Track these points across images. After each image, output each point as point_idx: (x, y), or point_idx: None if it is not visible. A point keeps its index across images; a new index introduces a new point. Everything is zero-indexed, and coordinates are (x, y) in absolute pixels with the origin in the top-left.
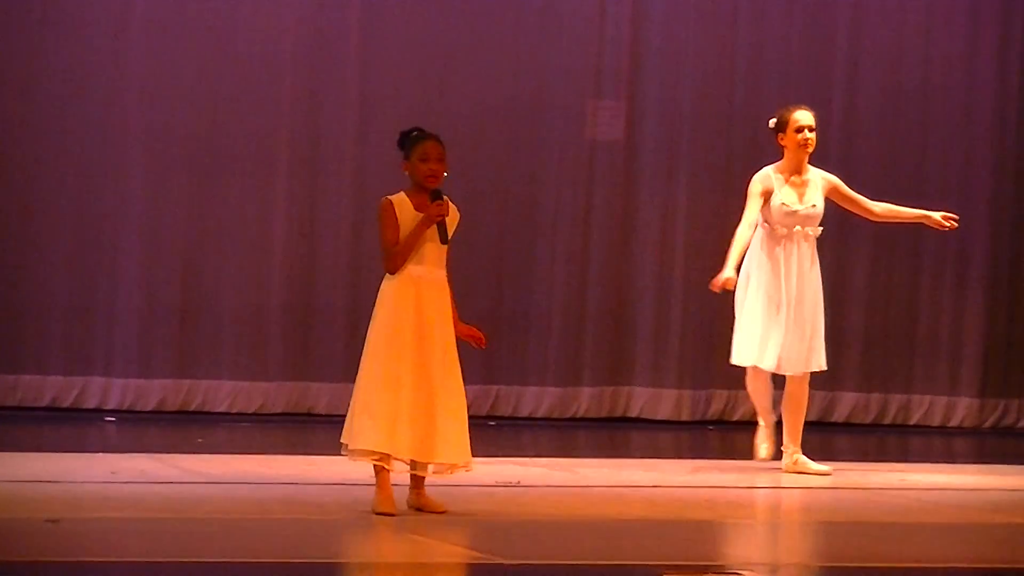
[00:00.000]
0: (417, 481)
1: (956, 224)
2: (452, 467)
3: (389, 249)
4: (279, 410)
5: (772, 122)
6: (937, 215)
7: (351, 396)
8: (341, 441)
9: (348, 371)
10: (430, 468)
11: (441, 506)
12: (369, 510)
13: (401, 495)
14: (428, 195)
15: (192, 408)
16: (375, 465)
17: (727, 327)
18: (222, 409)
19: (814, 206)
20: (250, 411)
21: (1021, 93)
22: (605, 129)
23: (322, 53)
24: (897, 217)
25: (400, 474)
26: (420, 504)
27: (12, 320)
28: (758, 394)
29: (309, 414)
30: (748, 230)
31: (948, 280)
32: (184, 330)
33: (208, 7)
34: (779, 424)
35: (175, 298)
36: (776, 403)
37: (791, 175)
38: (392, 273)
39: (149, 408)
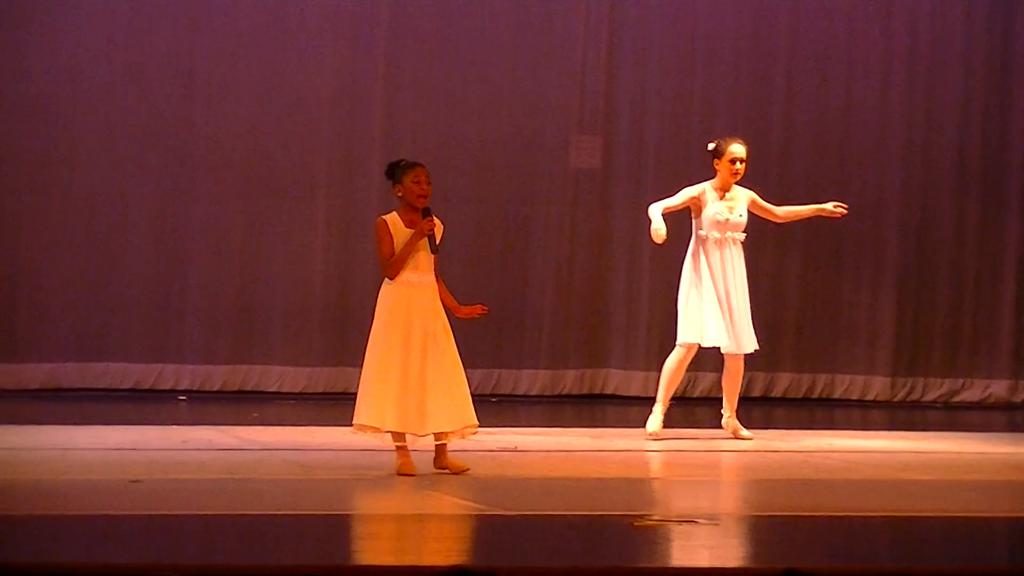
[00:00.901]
0: (439, 447)
1: (846, 211)
2: (455, 432)
3: (386, 260)
4: (320, 390)
5: (711, 146)
6: (829, 205)
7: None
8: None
9: None
10: (449, 436)
11: (463, 466)
12: (394, 472)
13: (426, 459)
14: (419, 213)
15: (248, 388)
16: (389, 434)
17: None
18: (273, 389)
19: (741, 215)
20: (296, 391)
21: (927, 128)
22: (585, 159)
23: (354, 98)
24: (797, 215)
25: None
26: (444, 465)
27: (102, 317)
28: (677, 376)
29: (344, 393)
30: (661, 204)
31: (865, 278)
32: (241, 325)
33: (259, 64)
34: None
35: (234, 299)
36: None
37: (723, 193)
38: (391, 279)
39: (214, 389)
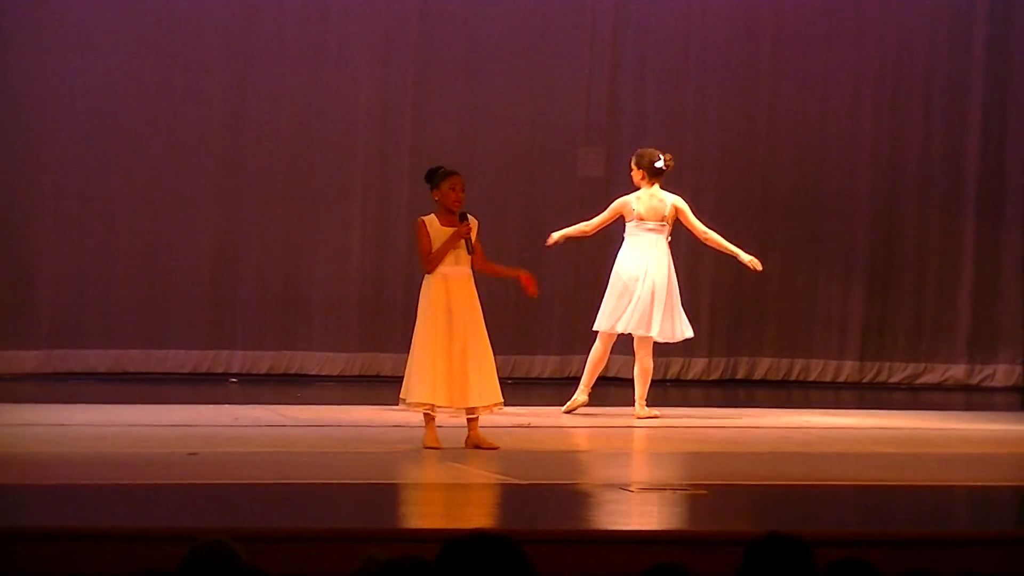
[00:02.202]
0: (472, 422)
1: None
2: (485, 408)
3: (425, 256)
4: (355, 373)
5: (634, 161)
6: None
7: (407, 363)
8: (400, 397)
9: (406, 344)
10: (480, 411)
11: (494, 444)
12: (421, 446)
13: (451, 436)
14: (455, 216)
15: (292, 372)
16: (424, 413)
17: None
18: (314, 372)
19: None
20: (334, 374)
21: (891, 140)
22: (590, 168)
23: (386, 111)
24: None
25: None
26: (475, 442)
27: (163, 308)
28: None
29: (378, 376)
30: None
31: (838, 271)
32: (287, 314)
33: (303, 81)
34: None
35: (280, 291)
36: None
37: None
38: (429, 273)
39: (262, 372)
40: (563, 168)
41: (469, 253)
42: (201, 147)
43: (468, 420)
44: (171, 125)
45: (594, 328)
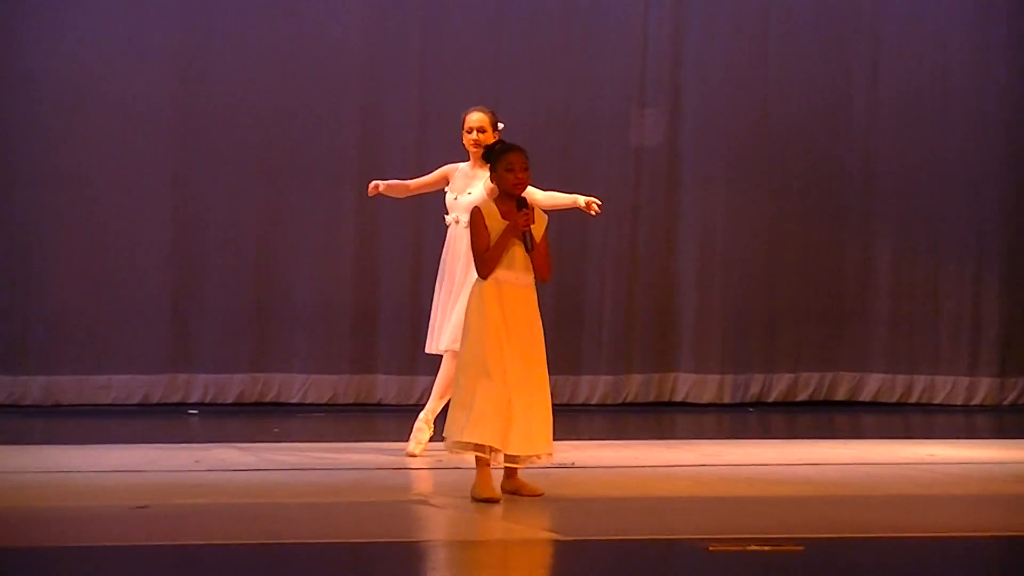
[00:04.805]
0: (510, 469)
1: (599, 210)
2: (533, 458)
3: (480, 254)
4: (349, 400)
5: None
6: (583, 200)
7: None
8: (444, 435)
9: (412, 365)
10: (523, 461)
11: (537, 490)
12: (470, 497)
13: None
14: (515, 203)
15: (268, 400)
16: (477, 457)
17: (763, 315)
18: (296, 400)
19: (470, 192)
20: (322, 402)
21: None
22: (649, 135)
23: (384, 70)
24: (556, 204)
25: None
26: (514, 487)
27: (104, 323)
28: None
29: (378, 405)
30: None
31: (968, 269)
32: (260, 328)
33: (273, 33)
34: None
35: (252, 298)
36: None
37: (472, 170)
38: (484, 278)
39: (229, 401)
40: (616, 136)
41: (528, 251)
42: (145, 123)
43: (507, 467)
44: (102, 95)
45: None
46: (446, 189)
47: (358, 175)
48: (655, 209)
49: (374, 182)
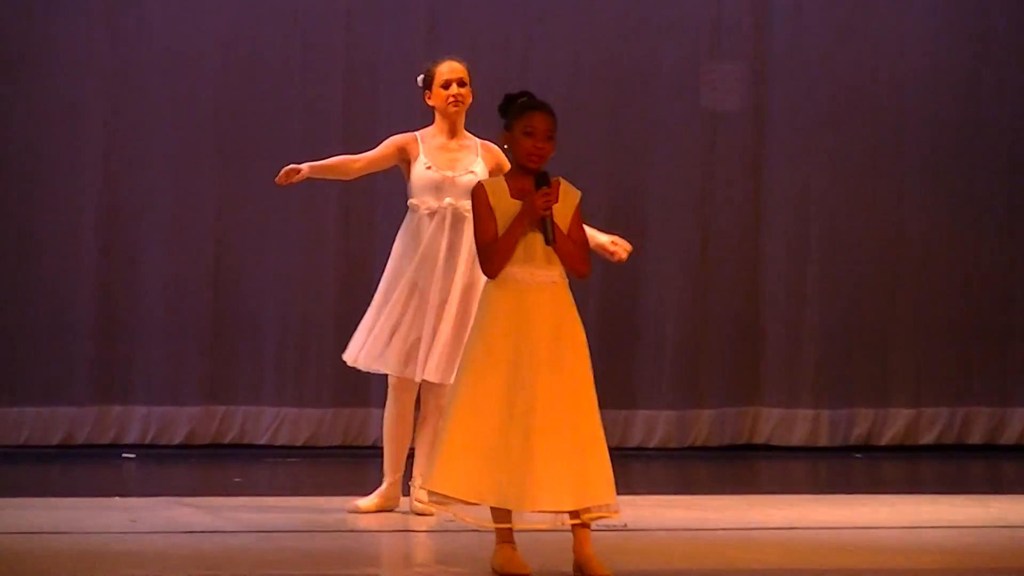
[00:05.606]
0: (579, 535)
1: (625, 256)
2: (596, 515)
3: (484, 246)
4: (332, 443)
5: (420, 78)
6: (605, 238)
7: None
8: (420, 486)
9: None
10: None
11: (602, 569)
12: (492, 570)
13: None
14: (532, 179)
15: (227, 441)
16: (495, 516)
17: (874, 334)
18: (263, 441)
19: (472, 172)
20: (297, 443)
21: None
22: (725, 97)
23: (369, 15)
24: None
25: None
26: (580, 561)
27: (12, 343)
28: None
29: (370, 448)
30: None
31: None
32: (217, 349)
33: None
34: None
35: (205, 311)
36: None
37: (447, 138)
38: (490, 277)
39: (176, 442)
40: (683, 98)
41: (548, 243)
42: (76, 77)
43: (573, 527)
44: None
45: None
46: (413, 165)
47: (343, 145)
48: (732, 195)
49: (290, 165)
